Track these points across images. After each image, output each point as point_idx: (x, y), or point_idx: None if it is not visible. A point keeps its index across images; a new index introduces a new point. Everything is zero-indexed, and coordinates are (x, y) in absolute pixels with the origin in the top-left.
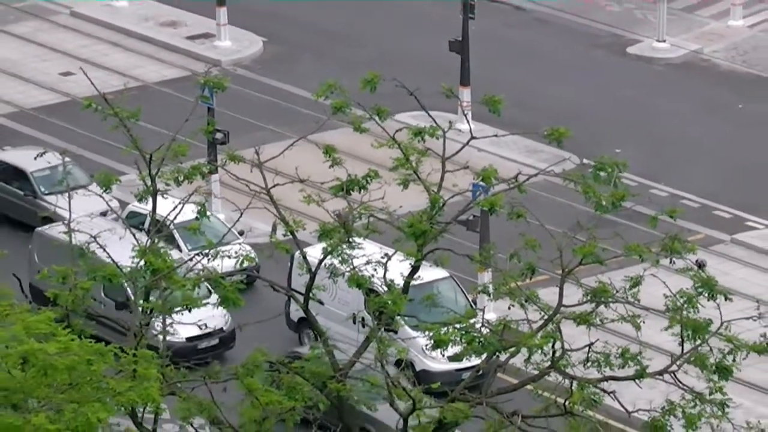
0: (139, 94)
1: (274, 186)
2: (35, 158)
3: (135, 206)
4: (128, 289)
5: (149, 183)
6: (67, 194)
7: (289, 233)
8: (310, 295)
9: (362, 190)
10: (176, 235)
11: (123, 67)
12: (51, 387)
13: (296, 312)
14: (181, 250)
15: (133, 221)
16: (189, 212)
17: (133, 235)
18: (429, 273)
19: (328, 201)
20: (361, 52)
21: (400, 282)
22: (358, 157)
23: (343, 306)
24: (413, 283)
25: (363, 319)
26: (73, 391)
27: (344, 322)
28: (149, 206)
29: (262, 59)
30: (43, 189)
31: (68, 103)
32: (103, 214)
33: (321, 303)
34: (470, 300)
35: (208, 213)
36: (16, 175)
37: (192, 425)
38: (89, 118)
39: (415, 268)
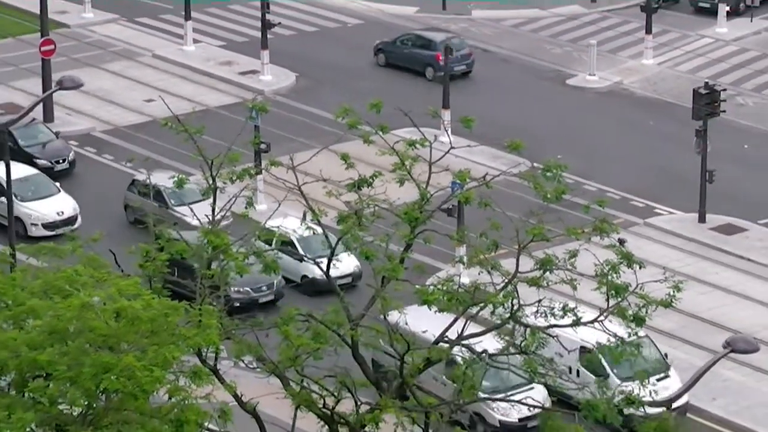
0: (203, 116)
1: (303, 183)
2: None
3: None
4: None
5: (211, 182)
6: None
7: (315, 219)
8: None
9: (369, 187)
10: (297, 245)
11: (191, 95)
12: (137, 334)
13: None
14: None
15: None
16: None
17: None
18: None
19: (344, 195)
20: (369, 84)
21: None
22: (366, 162)
23: None
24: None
25: None
26: (154, 336)
27: None
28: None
29: (295, 89)
30: (173, 202)
31: (150, 122)
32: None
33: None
34: (663, 354)
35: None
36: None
37: (243, 361)
38: (166, 134)
39: (408, 246)
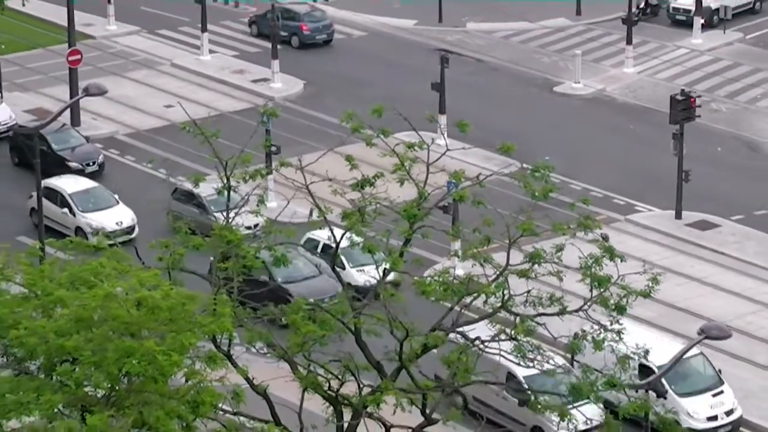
0: (218, 120)
1: (311, 183)
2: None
3: (312, 234)
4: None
5: (225, 181)
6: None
7: (321, 216)
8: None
9: (371, 186)
10: (343, 259)
11: (207, 101)
12: (157, 321)
13: None
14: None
15: (308, 245)
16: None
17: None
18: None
19: (348, 193)
20: (370, 91)
21: None
22: (369, 163)
23: None
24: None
25: None
26: (172, 324)
27: None
28: (323, 234)
29: (303, 96)
30: (213, 208)
31: (169, 126)
32: (255, 226)
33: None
34: (717, 370)
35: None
36: (193, 198)
37: (254, 347)
38: (184, 137)
39: (407, 240)
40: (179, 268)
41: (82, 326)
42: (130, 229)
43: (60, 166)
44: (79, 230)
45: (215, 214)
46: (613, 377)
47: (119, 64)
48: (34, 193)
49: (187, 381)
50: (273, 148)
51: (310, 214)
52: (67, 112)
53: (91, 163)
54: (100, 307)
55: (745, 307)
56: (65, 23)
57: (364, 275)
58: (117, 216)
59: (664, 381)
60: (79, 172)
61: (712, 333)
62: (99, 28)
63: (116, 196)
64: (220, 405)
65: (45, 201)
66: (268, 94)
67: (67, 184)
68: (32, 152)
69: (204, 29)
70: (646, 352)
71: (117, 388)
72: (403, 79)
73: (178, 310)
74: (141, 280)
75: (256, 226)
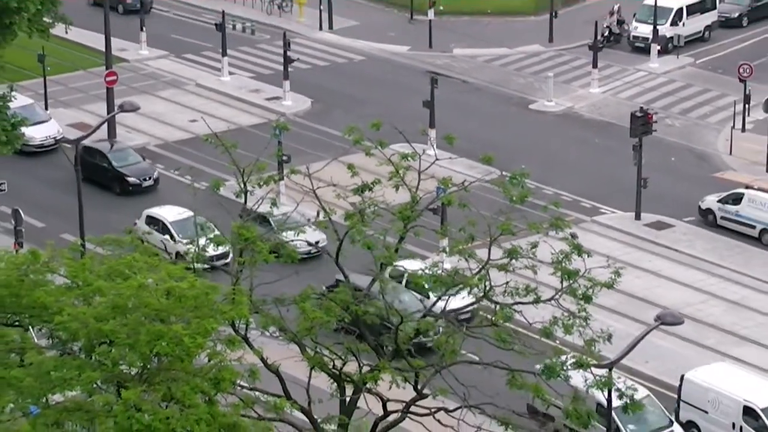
0: (236, 133)
1: (317, 188)
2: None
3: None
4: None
5: (242, 186)
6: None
7: (326, 216)
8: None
9: (370, 191)
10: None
11: (227, 116)
12: (183, 308)
13: None
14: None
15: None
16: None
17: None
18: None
19: (350, 197)
20: (369, 108)
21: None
22: (368, 171)
23: None
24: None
25: None
26: (197, 311)
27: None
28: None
29: (310, 112)
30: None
31: (194, 138)
32: (316, 243)
33: None
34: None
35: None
36: (265, 219)
37: (268, 331)
38: (206, 148)
39: (401, 238)
40: (204, 261)
41: (118, 312)
42: (223, 255)
43: (120, 182)
44: (178, 255)
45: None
46: (581, 358)
47: (150, 84)
48: (138, 221)
49: (209, 360)
50: (284, 158)
51: (317, 214)
52: (105, 126)
53: (147, 179)
54: (134, 296)
55: (695, 296)
56: (103, 48)
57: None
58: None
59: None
60: (137, 186)
61: (667, 319)
62: (133, 53)
63: (212, 225)
64: (238, 381)
65: (146, 227)
66: (280, 111)
67: (168, 213)
68: (75, 162)
69: (224, 54)
70: (608, 336)
71: (148, 366)
72: (398, 98)
73: (202, 298)
74: (169, 273)
75: (317, 242)
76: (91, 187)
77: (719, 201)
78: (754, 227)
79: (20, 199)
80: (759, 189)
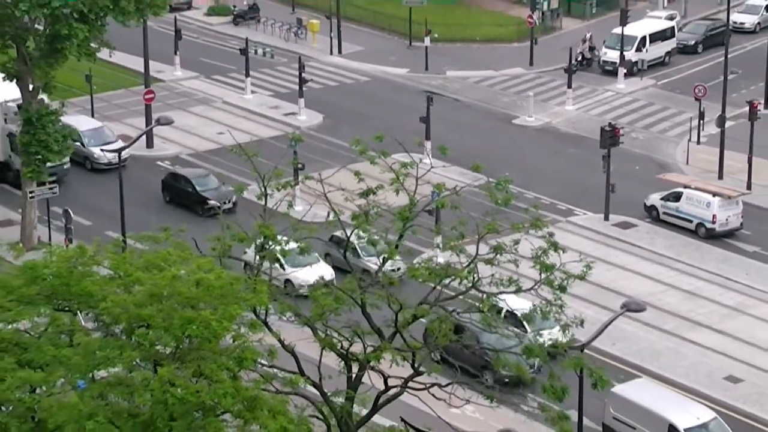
0: (258, 144)
1: (328, 192)
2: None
3: (498, 301)
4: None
5: (263, 189)
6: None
7: (336, 216)
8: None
9: (374, 195)
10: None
11: (249, 129)
12: (211, 297)
13: None
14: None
15: (492, 311)
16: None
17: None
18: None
19: (357, 200)
20: (374, 122)
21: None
22: (372, 177)
23: None
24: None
25: None
26: (223, 298)
27: None
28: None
29: (322, 126)
30: (363, 254)
31: (221, 148)
32: (398, 269)
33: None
34: None
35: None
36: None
37: (285, 316)
38: (231, 156)
39: (401, 236)
40: (228, 256)
41: (154, 300)
42: (331, 282)
43: (202, 205)
44: (287, 282)
45: (366, 258)
46: (556, 340)
47: (183, 101)
48: (248, 250)
49: (234, 342)
50: (299, 165)
51: (328, 215)
52: (144, 137)
53: (227, 202)
54: (168, 285)
55: (656, 287)
56: (142, 70)
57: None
58: (319, 272)
59: None
60: (217, 209)
61: (631, 307)
62: (168, 74)
63: (316, 254)
64: (258, 360)
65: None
66: (296, 124)
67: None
68: (118, 164)
69: (247, 75)
70: (580, 321)
71: (181, 347)
72: (398, 114)
73: (227, 288)
74: (199, 265)
75: (398, 269)
76: (178, 210)
77: (662, 199)
78: (691, 221)
79: (86, 207)
80: (695, 188)
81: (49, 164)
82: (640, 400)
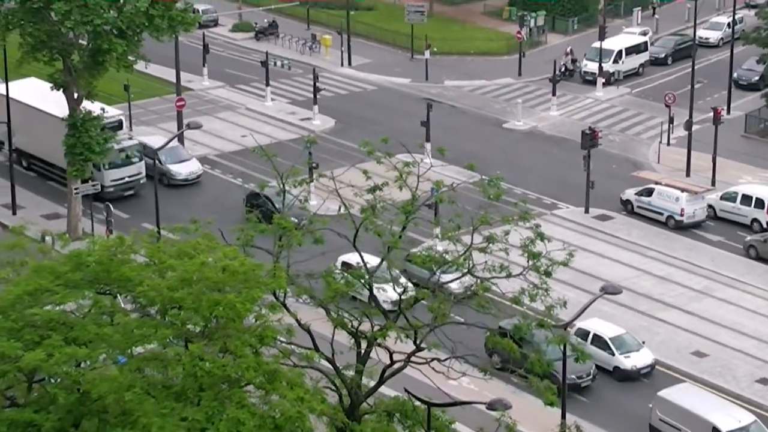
0: (277, 146)
1: (339, 188)
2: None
3: (584, 326)
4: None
5: (281, 186)
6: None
7: (346, 210)
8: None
9: (380, 191)
10: (610, 344)
11: (269, 132)
12: (236, 281)
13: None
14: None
15: (578, 333)
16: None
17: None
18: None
19: (365, 195)
20: (380, 126)
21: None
22: (379, 175)
23: None
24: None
25: None
26: (246, 283)
27: None
28: (598, 327)
29: (334, 129)
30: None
31: (244, 149)
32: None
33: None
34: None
35: None
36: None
37: (301, 298)
38: (254, 157)
39: (404, 227)
40: (251, 245)
41: (185, 284)
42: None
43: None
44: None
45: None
46: (542, 320)
47: (210, 108)
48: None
49: (256, 321)
50: (314, 165)
51: (339, 209)
52: (175, 140)
53: (303, 219)
54: (198, 271)
55: (631, 272)
56: (174, 80)
57: (630, 361)
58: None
59: None
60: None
61: (609, 290)
62: (197, 83)
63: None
64: (278, 337)
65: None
66: (310, 128)
67: (352, 258)
68: (153, 164)
69: (267, 84)
70: (564, 303)
71: (209, 326)
72: (402, 119)
73: (250, 273)
74: (225, 253)
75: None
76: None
77: (636, 194)
78: (662, 214)
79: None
80: (666, 185)
81: (126, 178)
82: (684, 403)
